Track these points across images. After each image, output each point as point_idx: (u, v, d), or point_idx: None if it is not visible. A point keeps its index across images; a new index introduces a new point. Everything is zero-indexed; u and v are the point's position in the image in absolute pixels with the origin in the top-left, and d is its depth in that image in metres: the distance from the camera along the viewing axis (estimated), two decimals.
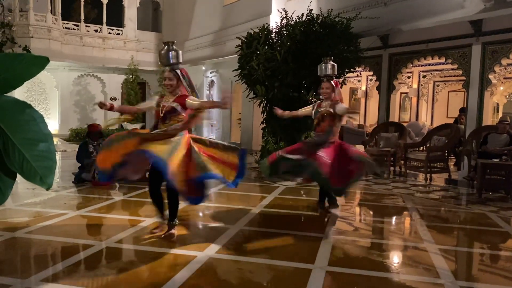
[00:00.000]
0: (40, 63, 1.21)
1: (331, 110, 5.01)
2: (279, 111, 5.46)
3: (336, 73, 5.34)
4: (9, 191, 1.27)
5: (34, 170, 1.14)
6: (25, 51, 9.04)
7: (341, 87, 8.97)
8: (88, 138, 7.24)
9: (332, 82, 5.17)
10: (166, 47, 4.27)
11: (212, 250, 3.82)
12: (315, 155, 4.63)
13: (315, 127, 5.21)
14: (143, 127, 16.23)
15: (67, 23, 17.31)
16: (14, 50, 9.51)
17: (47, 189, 1.20)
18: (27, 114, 1.16)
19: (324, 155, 4.63)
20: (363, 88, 14.46)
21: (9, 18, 14.39)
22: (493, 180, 6.91)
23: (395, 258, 4.02)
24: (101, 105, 4.20)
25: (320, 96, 5.30)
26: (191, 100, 4.24)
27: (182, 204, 4.92)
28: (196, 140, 4.28)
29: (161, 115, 4.17)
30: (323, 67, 5.25)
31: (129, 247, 4.04)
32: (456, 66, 8.64)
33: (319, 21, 8.48)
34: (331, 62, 5.24)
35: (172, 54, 4.22)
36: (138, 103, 17.19)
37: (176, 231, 4.25)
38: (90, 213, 5.18)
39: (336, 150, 4.84)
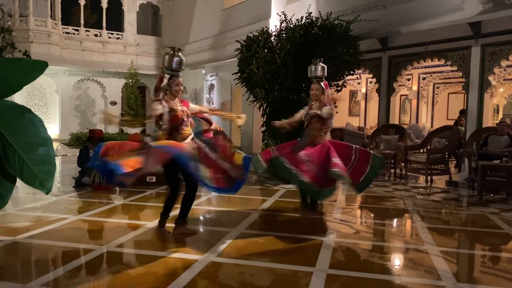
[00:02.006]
0: (39, 67, 1.22)
1: (318, 112, 5.07)
2: (277, 123, 5.50)
3: (325, 74, 5.32)
4: (9, 196, 1.27)
5: (34, 174, 1.14)
6: (25, 56, 9.06)
7: (340, 90, 9.06)
8: (88, 143, 7.25)
9: (321, 83, 5.19)
10: (176, 53, 4.30)
11: (213, 253, 3.81)
12: (300, 162, 4.76)
13: (304, 129, 5.21)
14: (143, 132, 16.23)
15: (67, 28, 17.35)
16: (14, 55, 9.52)
17: (47, 193, 1.21)
18: (27, 119, 1.16)
19: (307, 158, 4.80)
20: (363, 90, 14.46)
21: (9, 23, 14.42)
22: (494, 181, 6.90)
23: (396, 261, 4.02)
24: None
25: (311, 99, 5.30)
26: (193, 105, 4.52)
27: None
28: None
29: (186, 119, 4.31)
30: (313, 68, 5.25)
31: (130, 251, 4.04)
32: (455, 68, 8.65)
33: (318, 24, 8.50)
34: (321, 63, 5.23)
35: (183, 60, 4.32)
36: (138, 107, 17.21)
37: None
38: (91, 218, 5.18)
39: (321, 152, 4.95)
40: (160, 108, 4.24)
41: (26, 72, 1.19)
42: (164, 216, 4.47)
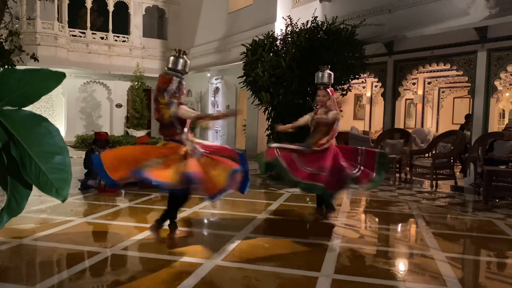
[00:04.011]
0: (57, 78, 1.24)
1: (325, 117, 5.17)
2: (280, 127, 5.61)
3: (332, 81, 5.39)
4: (24, 203, 1.29)
5: (50, 182, 1.16)
6: (33, 58, 9.11)
7: (346, 94, 9.06)
8: (94, 146, 7.28)
9: (328, 90, 5.25)
10: (181, 55, 4.34)
11: (218, 257, 3.82)
12: (305, 172, 4.91)
13: (311, 135, 5.28)
14: (148, 134, 16.30)
15: (74, 31, 17.46)
16: (22, 57, 9.58)
17: (63, 201, 1.23)
18: (44, 128, 1.18)
19: (314, 169, 4.93)
20: (368, 94, 14.46)
21: (17, 26, 14.53)
22: (500, 187, 6.87)
23: (401, 266, 4.00)
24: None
25: (316, 104, 5.38)
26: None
27: (187, 212, 4.95)
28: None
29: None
30: (320, 75, 5.34)
31: (135, 255, 4.05)
32: (461, 73, 8.63)
33: (324, 28, 8.51)
34: (327, 70, 5.31)
35: (188, 62, 4.35)
36: (144, 110, 17.30)
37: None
38: (96, 220, 5.20)
39: (330, 156, 5.06)
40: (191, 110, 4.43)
41: (44, 82, 1.21)
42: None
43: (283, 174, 5.03)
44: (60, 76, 1.26)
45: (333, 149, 5.14)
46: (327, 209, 5.51)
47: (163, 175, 3.84)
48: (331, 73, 5.34)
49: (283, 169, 4.96)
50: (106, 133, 7.68)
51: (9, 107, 1.21)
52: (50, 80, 1.23)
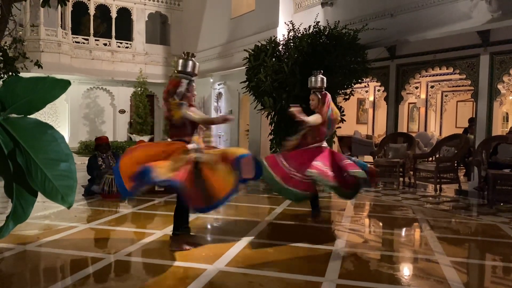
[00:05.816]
0: (62, 85, 1.25)
1: (305, 119, 5.20)
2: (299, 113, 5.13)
3: (325, 85, 5.39)
4: (30, 209, 1.30)
5: (56, 189, 1.17)
6: (36, 65, 9.18)
7: (348, 98, 9.07)
8: (97, 151, 7.31)
9: (318, 94, 5.27)
10: (190, 57, 4.35)
11: (221, 262, 3.82)
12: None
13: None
14: (151, 140, 16.33)
15: (77, 37, 17.56)
16: (26, 64, 9.65)
17: (68, 207, 1.23)
18: (49, 135, 1.19)
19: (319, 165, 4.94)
20: (371, 98, 14.47)
21: (20, 33, 14.63)
22: (504, 190, 6.84)
23: (406, 271, 3.99)
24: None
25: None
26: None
27: (191, 217, 4.93)
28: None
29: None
30: (313, 79, 5.35)
31: (138, 260, 4.06)
32: (464, 76, 8.63)
33: (326, 33, 8.54)
34: (320, 75, 5.33)
35: (197, 65, 4.38)
36: (147, 115, 17.31)
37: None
38: (100, 226, 5.21)
39: (329, 157, 5.12)
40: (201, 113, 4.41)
41: (49, 90, 1.23)
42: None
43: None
44: (66, 84, 1.27)
45: (327, 151, 5.28)
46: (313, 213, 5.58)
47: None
48: (324, 77, 5.37)
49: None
50: (107, 137, 7.70)
51: (15, 115, 1.23)
52: (55, 88, 1.25)
